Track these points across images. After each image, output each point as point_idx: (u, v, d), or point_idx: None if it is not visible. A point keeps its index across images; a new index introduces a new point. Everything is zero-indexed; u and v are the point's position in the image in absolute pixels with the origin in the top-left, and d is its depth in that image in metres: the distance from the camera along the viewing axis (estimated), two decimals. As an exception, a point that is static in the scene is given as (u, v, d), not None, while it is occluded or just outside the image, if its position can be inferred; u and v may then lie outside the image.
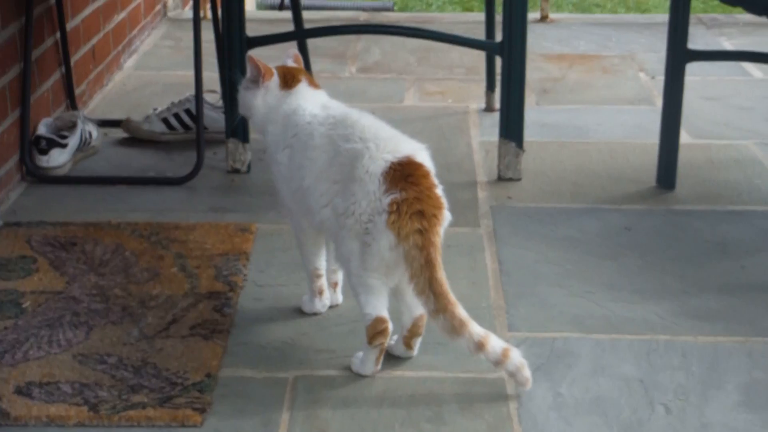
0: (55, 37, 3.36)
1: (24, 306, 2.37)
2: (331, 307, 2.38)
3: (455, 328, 1.98)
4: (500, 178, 3.08)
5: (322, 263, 2.34)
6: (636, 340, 2.27)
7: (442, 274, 2.00)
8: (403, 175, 2.04)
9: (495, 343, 1.99)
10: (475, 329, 1.98)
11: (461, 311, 1.99)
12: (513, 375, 2.02)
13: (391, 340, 2.14)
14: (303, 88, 2.27)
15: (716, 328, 2.31)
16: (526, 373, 2.01)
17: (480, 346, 1.98)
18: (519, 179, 3.07)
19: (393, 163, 2.05)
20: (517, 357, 2.00)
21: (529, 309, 2.39)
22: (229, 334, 2.27)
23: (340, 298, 2.39)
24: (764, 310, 2.39)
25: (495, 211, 2.89)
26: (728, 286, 2.50)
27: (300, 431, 1.96)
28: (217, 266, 2.55)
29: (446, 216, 2.05)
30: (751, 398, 2.07)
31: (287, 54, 2.37)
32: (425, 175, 2.06)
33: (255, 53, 2.42)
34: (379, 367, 2.13)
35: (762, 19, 4.28)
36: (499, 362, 2.00)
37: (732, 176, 3.11)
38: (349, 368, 2.15)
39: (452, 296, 1.99)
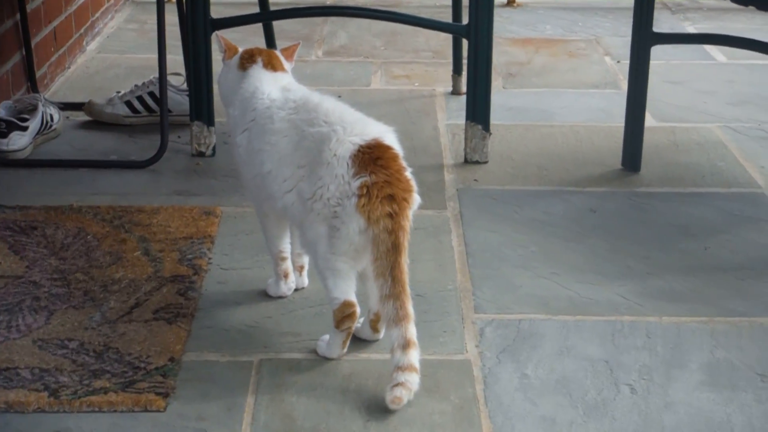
0: (15, 19, 3.31)
1: (-16, 290, 2.34)
2: (296, 290, 2.36)
3: (399, 318, 1.95)
4: (467, 161, 3.07)
5: (286, 246, 2.31)
6: (601, 321, 2.27)
7: (405, 261, 1.98)
8: (372, 158, 2.01)
9: (415, 354, 1.95)
10: (412, 329, 1.96)
11: (410, 305, 1.97)
12: (398, 384, 1.92)
13: (357, 323, 2.12)
14: (257, 70, 2.25)
15: (680, 309, 2.32)
16: (405, 393, 1.92)
17: (407, 345, 1.94)
18: (485, 162, 3.06)
19: (361, 146, 2.02)
20: (415, 378, 1.93)
21: (495, 291, 2.39)
22: (193, 317, 2.25)
23: (305, 281, 2.38)
24: (727, 291, 2.40)
25: (461, 193, 2.88)
26: (692, 267, 2.51)
27: (265, 415, 1.95)
28: (181, 250, 2.53)
29: (416, 199, 2.04)
30: (713, 377, 2.08)
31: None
32: (394, 157, 2.04)
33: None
34: (346, 350, 2.12)
35: (726, 3, 4.29)
36: (402, 369, 1.93)
37: (695, 159, 3.12)
38: (315, 351, 2.14)
39: (408, 286, 1.97)
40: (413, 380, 1.94)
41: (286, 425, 1.93)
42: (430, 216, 2.70)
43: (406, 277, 1.98)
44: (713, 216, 2.76)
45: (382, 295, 1.98)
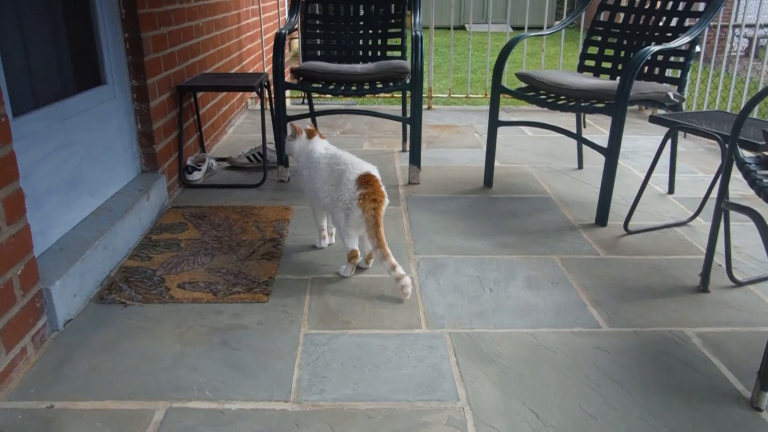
0: (195, 118, 3.27)
1: (181, 245, 2.32)
2: (329, 245, 2.34)
3: (383, 257, 1.94)
4: (410, 183, 3.05)
5: (325, 223, 2.30)
6: (474, 258, 2.27)
7: (382, 229, 1.97)
8: (365, 181, 2.01)
9: (400, 269, 1.94)
10: (392, 259, 1.94)
11: (388, 249, 1.95)
12: (401, 287, 1.93)
13: (359, 260, 2.12)
14: (316, 139, 2.23)
15: (512, 251, 2.32)
16: (407, 288, 1.92)
17: (393, 267, 1.93)
18: (418, 183, 3.04)
19: (360, 175, 2.02)
20: (408, 279, 1.92)
21: (424, 244, 2.38)
22: (280, 258, 2.24)
23: (333, 240, 2.36)
24: (534, 243, 2.39)
25: (407, 198, 2.85)
26: (517, 231, 2.50)
27: (315, 304, 1.95)
28: (274, 226, 2.50)
29: (387, 201, 2.03)
30: (529, 284, 2.08)
31: (305, 125, 2.33)
32: (376, 181, 2.03)
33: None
34: (353, 273, 2.11)
35: (532, 107, 4.27)
36: (399, 278, 1.93)
37: (519, 181, 3.11)
38: (338, 273, 2.13)
39: (385, 240, 1.96)
40: (408, 281, 1.93)
41: (325, 308, 1.93)
42: (393, 209, 2.69)
43: (383, 236, 1.96)
44: (527, 208, 2.75)
45: (373, 247, 1.97)
